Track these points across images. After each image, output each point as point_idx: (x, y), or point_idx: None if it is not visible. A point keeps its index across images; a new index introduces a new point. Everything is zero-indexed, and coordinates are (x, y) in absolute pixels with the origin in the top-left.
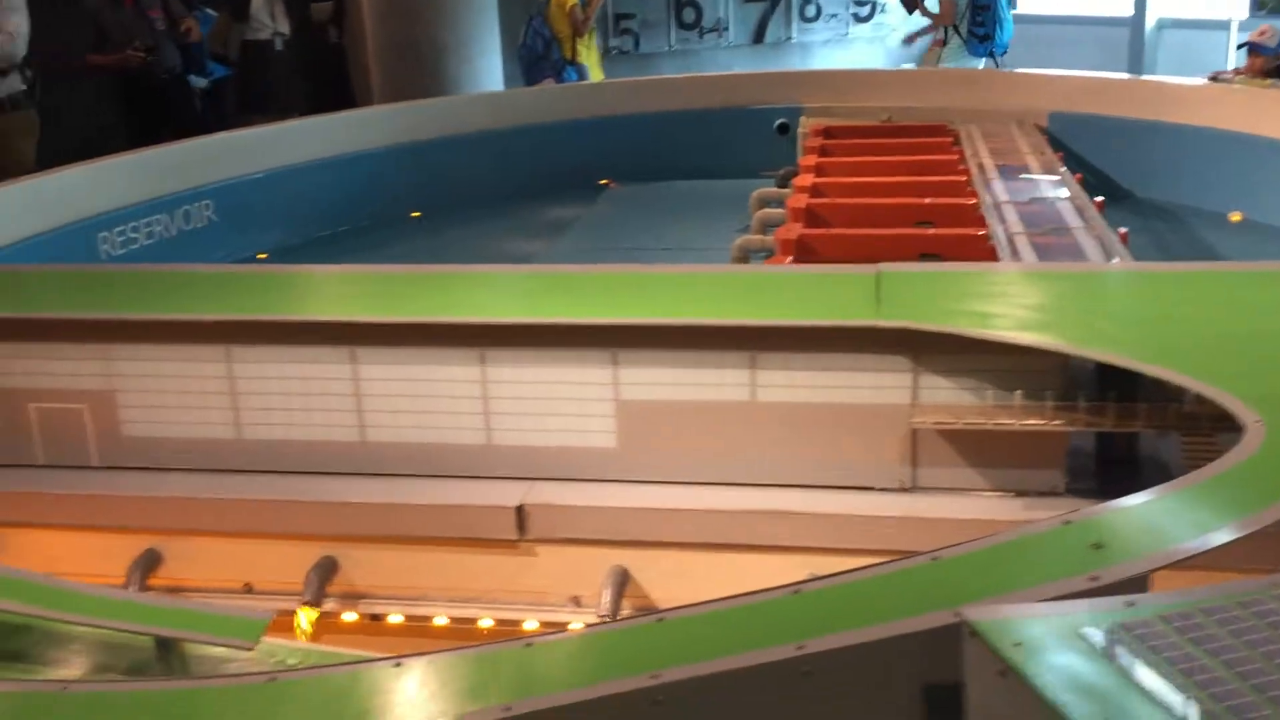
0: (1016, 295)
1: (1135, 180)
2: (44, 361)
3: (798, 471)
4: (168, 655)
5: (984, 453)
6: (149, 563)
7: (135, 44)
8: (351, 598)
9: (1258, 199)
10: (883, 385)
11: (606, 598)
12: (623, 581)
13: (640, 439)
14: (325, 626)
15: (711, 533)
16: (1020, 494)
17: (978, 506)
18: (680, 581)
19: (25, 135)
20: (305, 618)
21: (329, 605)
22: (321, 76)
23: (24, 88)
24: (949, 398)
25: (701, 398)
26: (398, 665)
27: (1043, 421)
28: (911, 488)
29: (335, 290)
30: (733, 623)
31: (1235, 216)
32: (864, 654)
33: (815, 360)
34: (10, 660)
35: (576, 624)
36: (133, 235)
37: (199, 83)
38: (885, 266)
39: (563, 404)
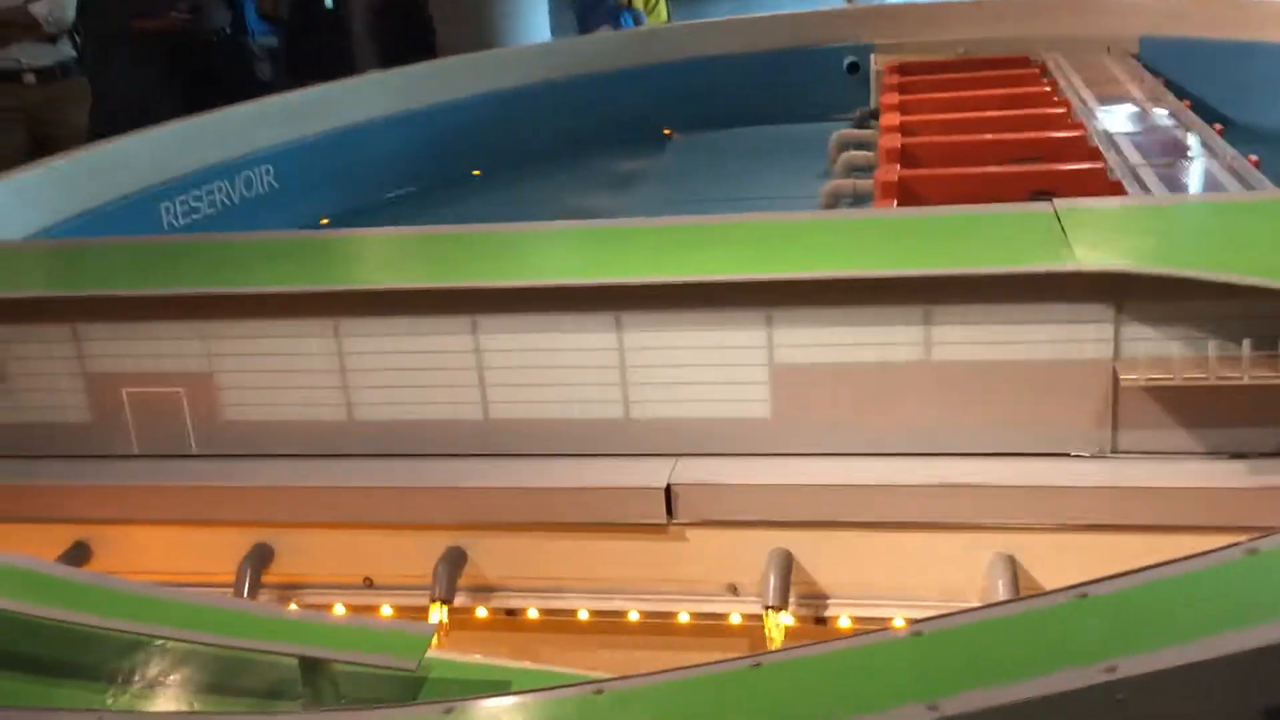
0: (1216, 231)
1: (1235, 105)
2: (135, 342)
3: (980, 439)
4: (315, 677)
5: (1196, 410)
6: (260, 558)
7: (179, 5)
8: (483, 591)
9: None
10: (1081, 338)
11: (773, 584)
12: (787, 566)
13: (798, 408)
14: (456, 623)
15: (883, 510)
16: (1237, 456)
17: (1190, 472)
18: (850, 565)
19: (78, 103)
20: (436, 615)
21: (459, 600)
22: (391, 32)
23: (74, 54)
24: (1158, 350)
25: (868, 359)
26: (599, 692)
27: (1274, 374)
28: (1112, 453)
29: (449, 253)
30: (1002, 635)
31: None
32: (1192, 675)
33: (1000, 312)
34: (109, 679)
35: (735, 615)
36: (195, 204)
37: (265, 41)
38: (1060, 203)
39: (710, 371)
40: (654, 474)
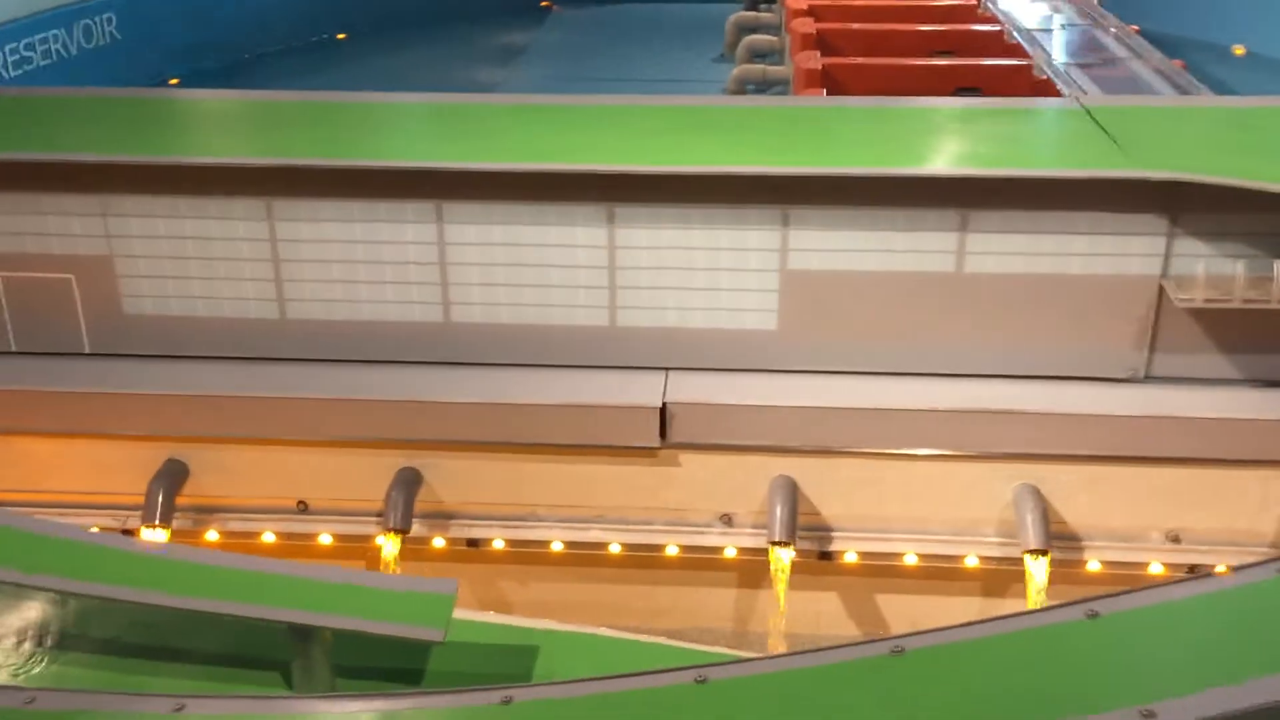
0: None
1: (1135, 12)
2: (12, 217)
3: (1008, 360)
4: (306, 642)
5: (1243, 335)
6: (172, 477)
7: None
8: (441, 519)
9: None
10: (1129, 252)
11: (779, 515)
12: (791, 496)
13: (809, 320)
14: (408, 554)
15: (898, 436)
16: (1274, 384)
17: (1227, 401)
18: (860, 495)
19: None
20: (390, 545)
21: (414, 529)
22: None
23: None
24: (1213, 268)
25: (893, 268)
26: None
27: None
28: (1145, 378)
29: (405, 126)
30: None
31: (1238, 50)
32: None
33: (1044, 220)
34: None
35: (730, 549)
36: (27, 53)
37: None
38: (1092, 100)
39: (713, 275)
40: (646, 391)
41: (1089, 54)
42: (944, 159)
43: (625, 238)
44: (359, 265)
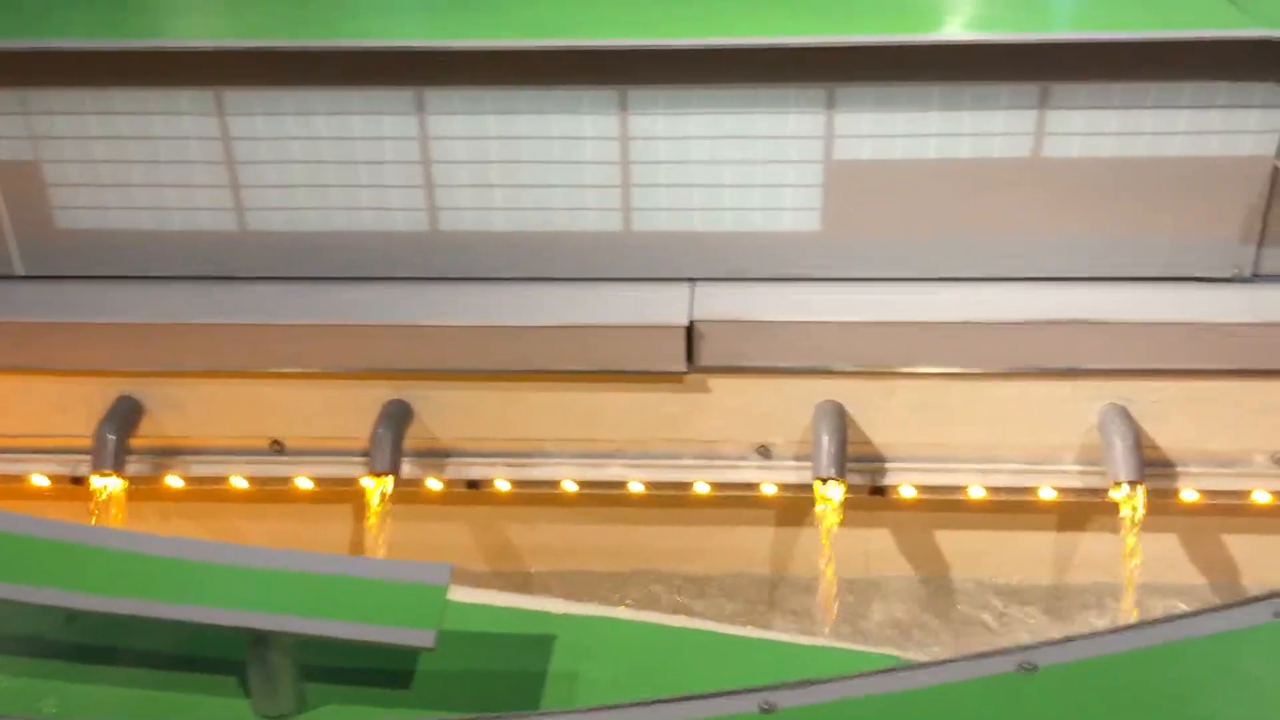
0: None
1: None
2: None
3: (1094, 260)
4: (263, 648)
5: None
6: (124, 417)
7: None
8: (435, 458)
9: None
10: (1238, 128)
11: (826, 446)
12: (839, 424)
13: (861, 218)
14: (399, 497)
15: (966, 353)
16: None
17: None
18: (921, 422)
19: None
20: (378, 491)
21: (405, 469)
22: None
23: None
24: None
25: (958, 155)
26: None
27: None
28: (1253, 276)
29: (378, 1)
30: None
31: None
32: None
33: (1140, 94)
34: None
35: (768, 485)
36: None
37: None
38: None
39: (745, 169)
40: (669, 306)
41: None
42: (1018, 22)
43: (641, 126)
44: (328, 166)
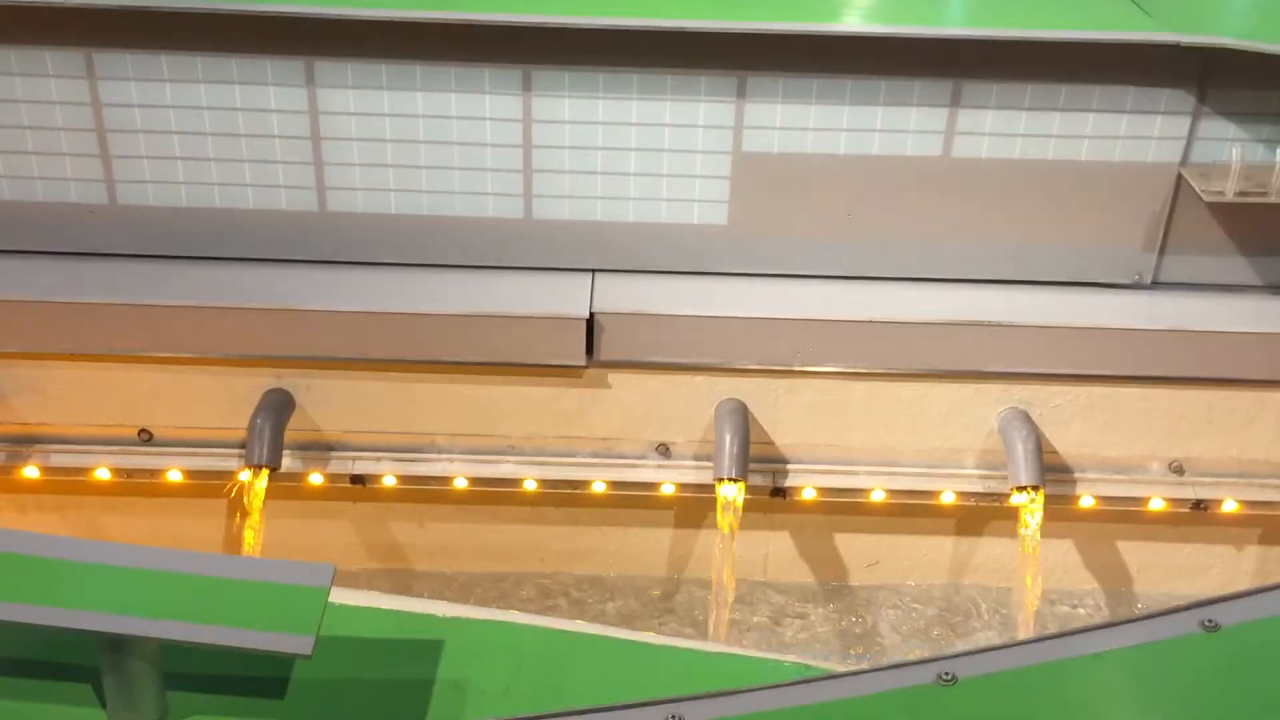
0: None
1: None
2: None
3: (997, 262)
4: (118, 654)
5: (1265, 233)
6: None
7: None
8: (318, 451)
9: None
10: (1144, 134)
11: (728, 446)
12: (741, 423)
13: (768, 213)
14: (278, 492)
15: (870, 353)
16: None
17: (1240, 312)
18: (821, 421)
19: None
20: (253, 484)
21: (285, 462)
22: None
23: None
24: (1249, 153)
25: (867, 151)
26: None
27: None
28: (1153, 284)
29: None
30: None
31: None
32: None
33: (1049, 94)
34: None
35: (667, 485)
36: None
37: None
38: None
39: (652, 157)
40: (569, 298)
41: None
42: (937, 18)
43: (544, 109)
44: (208, 139)
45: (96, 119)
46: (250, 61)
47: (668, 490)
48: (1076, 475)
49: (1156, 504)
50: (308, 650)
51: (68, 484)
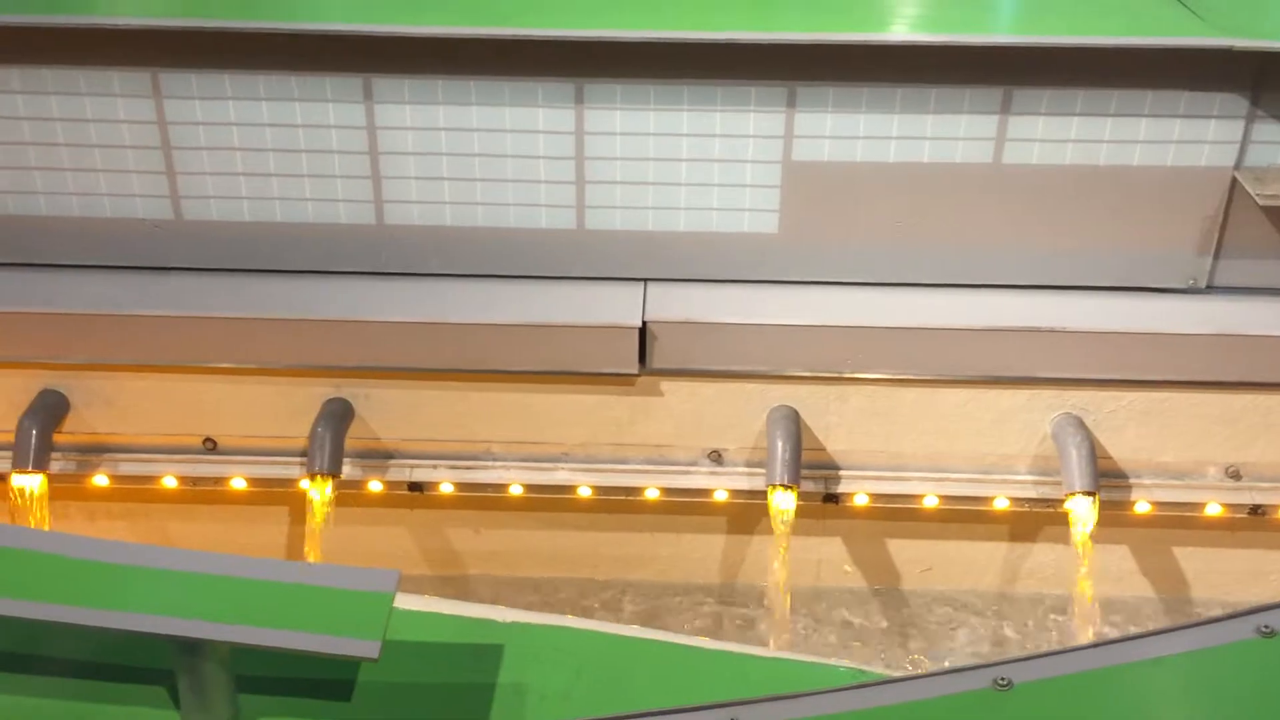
0: None
1: None
2: None
3: (1051, 268)
4: (196, 659)
5: None
6: (48, 411)
7: None
8: (377, 459)
9: None
10: (1197, 138)
11: (780, 452)
12: (793, 430)
13: (818, 221)
14: (342, 499)
15: (922, 359)
16: None
17: None
18: (875, 429)
19: None
20: (316, 493)
21: (345, 470)
22: None
23: None
24: None
25: (917, 158)
26: None
27: None
28: (1208, 288)
29: None
30: None
31: None
32: None
33: (1101, 100)
34: None
35: (720, 491)
36: None
37: None
38: None
39: (702, 168)
40: (622, 307)
41: None
42: (986, 25)
43: (596, 121)
44: (269, 155)
45: (162, 137)
46: (310, 79)
47: (720, 497)
48: (1131, 481)
49: (1213, 509)
50: (374, 654)
51: (135, 492)
